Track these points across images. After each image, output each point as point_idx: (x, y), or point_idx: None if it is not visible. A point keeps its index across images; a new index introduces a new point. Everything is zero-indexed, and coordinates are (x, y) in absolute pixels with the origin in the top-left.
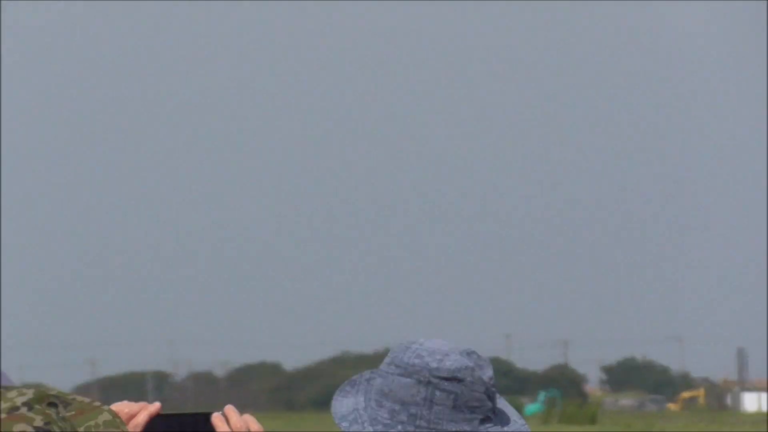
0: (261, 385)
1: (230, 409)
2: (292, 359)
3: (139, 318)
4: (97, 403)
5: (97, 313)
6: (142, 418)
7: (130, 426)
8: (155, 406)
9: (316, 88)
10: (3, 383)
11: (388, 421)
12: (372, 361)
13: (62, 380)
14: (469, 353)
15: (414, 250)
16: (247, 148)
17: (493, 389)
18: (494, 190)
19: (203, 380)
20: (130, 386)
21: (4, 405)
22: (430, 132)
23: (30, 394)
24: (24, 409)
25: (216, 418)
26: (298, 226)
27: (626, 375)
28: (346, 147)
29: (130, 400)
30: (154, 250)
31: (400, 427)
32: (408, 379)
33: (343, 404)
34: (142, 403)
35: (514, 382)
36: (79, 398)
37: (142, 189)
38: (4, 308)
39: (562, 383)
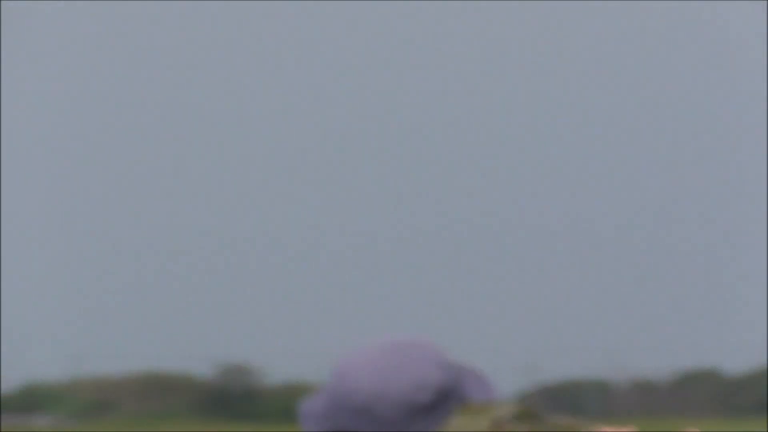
0: (703, 391)
1: None
2: (735, 364)
3: (579, 324)
4: (578, 424)
5: (538, 318)
6: None
7: None
8: (628, 429)
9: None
10: (485, 393)
11: None
12: None
13: (501, 386)
14: None
15: None
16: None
17: None
18: None
19: (644, 387)
20: (568, 394)
21: (488, 416)
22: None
23: (513, 407)
24: (510, 424)
25: None
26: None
27: None
28: None
29: (569, 408)
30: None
31: None
32: None
33: None
34: (615, 428)
35: None
36: (559, 417)
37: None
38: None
39: None
